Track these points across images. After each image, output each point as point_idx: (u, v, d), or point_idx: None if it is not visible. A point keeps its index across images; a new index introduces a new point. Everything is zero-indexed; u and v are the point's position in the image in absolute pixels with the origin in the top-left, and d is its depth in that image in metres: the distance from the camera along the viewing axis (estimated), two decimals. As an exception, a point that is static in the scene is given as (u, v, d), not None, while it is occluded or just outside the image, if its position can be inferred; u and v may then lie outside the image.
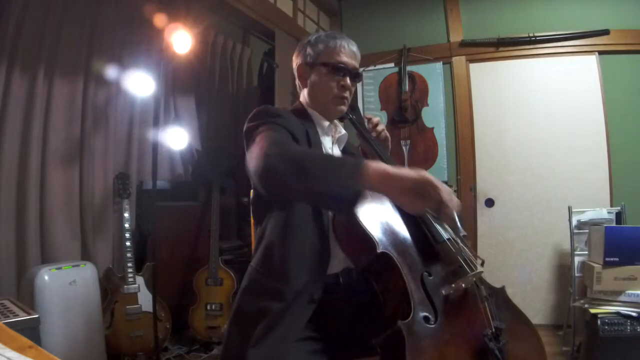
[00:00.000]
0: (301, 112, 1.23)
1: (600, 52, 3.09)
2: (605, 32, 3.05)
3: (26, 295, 2.02)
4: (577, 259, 2.68)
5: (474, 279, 1.00)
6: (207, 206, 2.95)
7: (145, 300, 2.44)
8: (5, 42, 2.21)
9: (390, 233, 1.02)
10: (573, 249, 2.71)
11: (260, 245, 1.10)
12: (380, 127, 1.31)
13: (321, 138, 1.20)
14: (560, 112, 3.17)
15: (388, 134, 1.33)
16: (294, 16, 3.33)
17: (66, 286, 2.11)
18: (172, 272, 2.81)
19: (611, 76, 3.08)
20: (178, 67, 3.14)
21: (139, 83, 2.63)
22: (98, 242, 2.58)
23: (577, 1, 3.19)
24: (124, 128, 2.83)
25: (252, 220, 1.35)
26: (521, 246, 3.22)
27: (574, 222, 2.75)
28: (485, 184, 3.34)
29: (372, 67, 3.51)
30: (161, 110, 2.90)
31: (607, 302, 2.19)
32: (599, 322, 2.10)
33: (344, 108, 1.23)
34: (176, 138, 2.97)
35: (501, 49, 3.29)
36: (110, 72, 2.65)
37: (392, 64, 3.54)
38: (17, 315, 1.63)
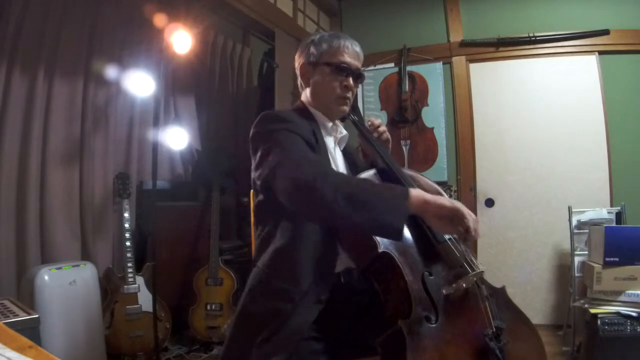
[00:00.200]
0: (303, 112, 1.22)
1: (600, 52, 3.08)
2: (605, 32, 3.05)
3: (26, 295, 2.02)
4: (577, 259, 2.68)
5: (475, 279, 1.00)
6: (207, 206, 2.94)
7: (145, 300, 2.44)
8: (5, 42, 2.20)
9: (392, 233, 1.02)
10: (573, 249, 2.71)
11: (269, 247, 1.09)
12: (382, 128, 1.31)
13: (325, 139, 1.20)
14: (560, 112, 3.17)
15: (389, 136, 1.33)
16: (294, 16, 3.33)
17: (66, 286, 2.10)
18: (172, 272, 2.80)
19: (611, 76, 3.08)
20: (178, 67, 3.14)
21: (139, 83, 2.63)
22: (98, 242, 2.57)
23: (577, 1, 3.19)
24: (124, 128, 2.83)
25: (252, 221, 1.35)
26: (521, 246, 3.22)
27: (574, 222, 2.75)
28: (485, 184, 3.34)
29: (372, 67, 3.51)
30: (161, 110, 2.90)
31: (607, 302, 2.19)
32: (599, 322, 2.10)
33: (347, 108, 1.23)
34: (176, 138, 2.97)
35: (501, 49, 3.29)
36: (110, 72, 2.65)
37: (392, 64, 3.54)
38: (17, 315, 1.63)
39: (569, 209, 2.75)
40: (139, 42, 2.85)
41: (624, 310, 2.12)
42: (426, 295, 0.96)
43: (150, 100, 2.84)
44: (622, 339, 2.06)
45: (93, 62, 2.58)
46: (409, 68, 3.46)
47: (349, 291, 1.11)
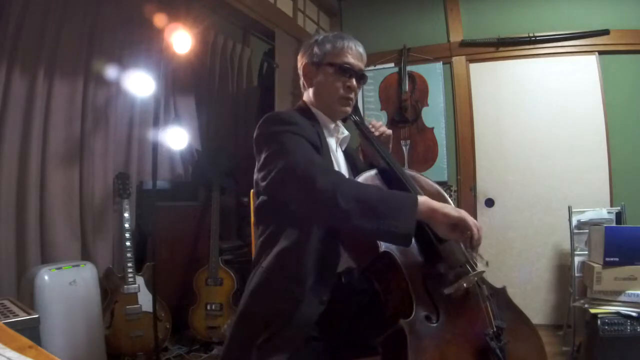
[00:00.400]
0: (306, 112, 1.22)
1: (600, 52, 3.08)
2: (605, 32, 3.05)
3: (26, 295, 2.02)
4: (577, 259, 2.68)
5: (476, 279, 1.00)
6: (207, 206, 2.94)
7: (145, 300, 2.44)
8: (5, 42, 2.20)
9: (393, 233, 1.02)
10: (573, 249, 2.71)
11: (273, 248, 1.09)
12: (383, 128, 1.31)
13: (327, 139, 1.20)
14: (560, 112, 3.17)
15: (390, 132, 1.33)
16: (294, 16, 3.33)
17: (66, 286, 2.10)
18: (172, 272, 2.80)
19: (611, 76, 3.08)
20: (178, 67, 3.14)
21: (139, 83, 2.63)
22: (98, 242, 2.57)
23: (577, 1, 3.19)
24: (124, 128, 2.83)
25: (252, 221, 1.35)
26: (521, 246, 3.22)
27: (574, 222, 2.75)
28: (485, 184, 3.34)
29: (372, 67, 3.51)
30: (161, 110, 2.90)
31: (607, 302, 2.19)
32: (599, 322, 2.10)
33: (349, 109, 1.23)
34: (176, 138, 2.97)
35: (501, 49, 3.29)
36: (110, 72, 2.65)
37: (392, 64, 3.54)
38: (17, 315, 1.63)
39: (569, 209, 2.75)
40: (139, 42, 2.85)
41: (624, 310, 2.12)
42: (427, 294, 0.96)
43: (150, 100, 2.84)
44: (622, 339, 2.06)
45: (93, 62, 2.58)
46: (409, 68, 3.46)
47: (350, 291, 1.11)
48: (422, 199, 0.97)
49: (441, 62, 3.43)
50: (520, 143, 3.25)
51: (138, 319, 2.41)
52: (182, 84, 3.24)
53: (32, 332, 1.60)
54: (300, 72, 1.27)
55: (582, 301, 2.31)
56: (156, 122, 2.65)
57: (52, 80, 2.38)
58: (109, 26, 2.68)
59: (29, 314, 1.65)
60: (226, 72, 3.51)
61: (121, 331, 2.37)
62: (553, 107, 3.19)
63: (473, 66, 3.40)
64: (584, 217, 2.75)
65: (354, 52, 1.20)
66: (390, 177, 1.15)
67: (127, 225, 2.52)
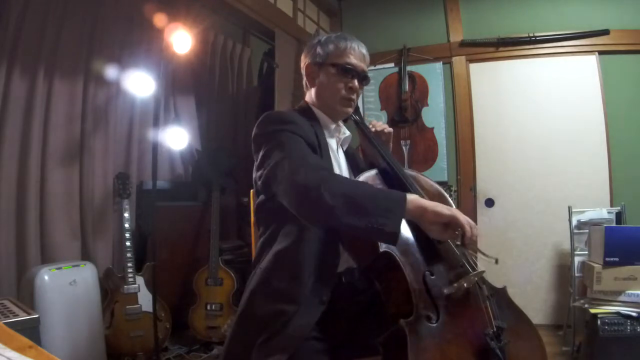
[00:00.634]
0: (307, 112, 1.22)
1: (600, 52, 3.09)
2: (605, 32, 3.05)
3: (26, 295, 2.01)
4: (577, 259, 2.68)
5: (476, 279, 1.00)
6: (207, 206, 2.94)
7: (145, 300, 2.44)
8: (5, 42, 2.20)
9: (393, 232, 1.02)
10: (573, 249, 2.71)
11: (271, 249, 1.09)
12: (383, 126, 1.31)
13: (327, 140, 1.20)
14: (560, 112, 3.17)
15: (391, 129, 1.33)
16: (294, 16, 3.33)
17: (66, 286, 2.10)
18: (172, 272, 2.80)
19: (611, 76, 3.08)
20: (178, 67, 3.14)
21: (139, 83, 2.63)
22: (98, 242, 2.57)
23: (577, 1, 3.20)
24: (124, 128, 2.83)
25: (252, 221, 1.35)
26: (521, 246, 3.22)
27: (574, 222, 2.75)
28: (485, 184, 3.34)
29: (372, 67, 3.51)
30: (161, 110, 2.90)
31: (607, 302, 2.19)
32: (599, 322, 2.10)
33: (350, 110, 1.23)
34: (176, 138, 2.96)
35: (501, 49, 3.29)
36: (110, 72, 2.64)
37: (392, 64, 3.54)
38: (17, 315, 1.63)
39: (569, 209, 2.75)
40: (139, 42, 2.85)
41: (624, 310, 2.12)
42: (427, 294, 0.96)
43: (150, 100, 2.84)
44: (622, 339, 2.06)
45: (93, 62, 2.58)
46: (409, 68, 3.47)
47: (350, 291, 1.11)
48: (412, 197, 0.94)
49: (441, 62, 3.43)
50: (520, 143, 3.26)
51: (138, 319, 2.41)
52: (182, 84, 3.24)
53: (32, 332, 1.60)
54: (303, 72, 1.27)
55: (582, 301, 2.31)
56: (156, 122, 2.65)
57: (52, 80, 2.38)
58: (109, 26, 2.67)
59: (29, 314, 1.65)
60: (226, 72, 3.51)
61: (121, 331, 2.37)
62: (553, 107, 3.19)
63: (473, 66, 3.40)
64: (584, 217, 2.75)
65: (357, 53, 1.20)
66: (391, 177, 1.16)
67: (127, 225, 2.52)
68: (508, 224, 3.26)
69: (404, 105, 3.44)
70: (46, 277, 2.04)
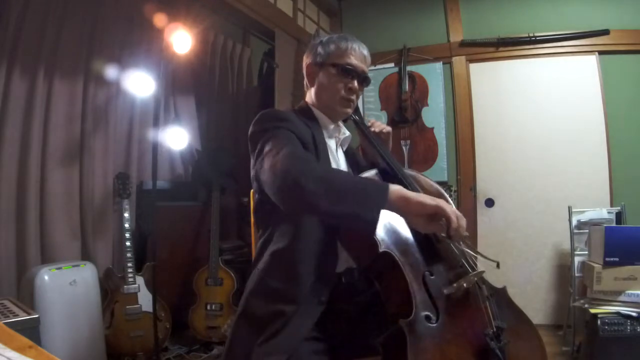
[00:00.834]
0: (306, 112, 1.22)
1: (600, 52, 3.09)
2: (605, 32, 3.05)
3: (26, 295, 2.01)
4: (577, 259, 2.68)
5: (475, 279, 1.00)
6: (207, 206, 2.94)
7: (145, 300, 2.44)
8: (5, 42, 2.20)
9: (393, 233, 1.02)
10: (573, 249, 2.71)
11: (267, 249, 1.09)
12: (382, 125, 1.31)
13: (326, 140, 1.20)
14: (560, 112, 3.17)
15: (390, 128, 1.33)
16: (294, 16, 3.33)
17: (66, 286, 2.10)
18: (172, 272, 2.80)
19: (611, 76, 3.08)
20: (178, 67, 3.14)
21: (139, 83, 2.63)
22: (98, 242, 2.57)
23: (577, 1, 3.20)
24: (124, 128, 2.83)
25: (252, 221, 1.35)
26: (521, 246, 3.22)
27: (574, 222, 2.75)
28: (485, 184, 3.34)
29: (372, 67, 3.49)
30: (161, 110, 2.89)
31: (607, 302, 2.19)
32: (599, 322, 2.10)
33: (350, 111, 1.23)
34: (176, 138, 2.96)
35: (501, 49, 3.29)
36: (110, 72, 2.64)
37: (392, 64, 3.54)
38: (17, 315, 1.63)
39: (569, 209, 2.75)
40: (139, 42, 2.85)
41: (624, 310, 2.12)
42: (427, 294, 0.96)
43: (150, 100, 2.84)
44: (622, 339, 2.06)
45: (93, 62, 2.58)
46: (409, 68, 3.47)
47: (350, 291, 1.11)
48: (395, 187, 0.91)
49: (441, 62, 3.43)
50: (520, 143, 3.26)
51: (138, 319, 2.41)
52: (182, 84, 3.24)
53: (32, 332, 1.60)
54: (304, 72, 1.27)
55: (582, 301, 2.31)
56: (156, 122, 2.65)
57: (52, 80, 2.38)
58: (109, 26, 2.67)
59: (29, 314, 1.65)
60: (226, 72, 3.51)
61: (121, 331, 2.37)
62: (553, 107, 3.19)
63: (473, 66, 3.40)
64: (584, 217, 2.75)
65: (358, 54, 1.20)
66: (391, 177, 1.15)
67: (127, 225, 2.52)
68: (508, 224, 3.26)
69: (404, 105, 3.44)
70: (46, 277, 2.04)
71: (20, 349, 0.67)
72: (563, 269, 3.08)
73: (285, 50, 3.15)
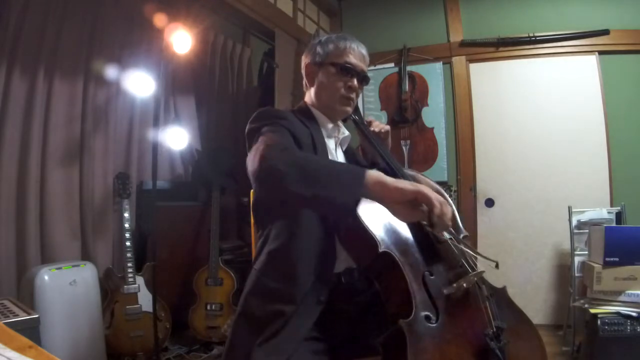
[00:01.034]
0: (305, 112, 1.22)
1: (600, 52, 3.09)
2: (605, 32, 3.05)
3: (26, 295, 2.02)
4: (577, 259, 2.68)
5: (475, 279, 1.00)
6: (207, 206, 2.94)
7: (145, 300, 2.44)
8: (5, 42, 2.20)
9: (392, 232, 1.02)
10: (573, 249, 2.71)
11: (264, 249, 1.10)
12: (381, 125, 1.31)
13: (325, 140, 1.20)
14: (560, 112, 3.17)
15: (389, 127, 1.34)
16: (294, 16, 3.33)
17: (66, 286, 2.10)
18: (172, 272, 2.80)
19: (611, 76, 3.08)
20: (178, 67, 3.14)
21: (139, 83, 2.63)
22: (98, 242, 2.57)
23: (577, 1, 3.20)
24: (124, 128, 2.83)
25: (252, 221, 1.35)
26: (521, 246, 3.22)
27: (574, 222, 2.75)
28: (485, 184, 3.34)
29: (372, 67, 3.51)
30: (161, 110, 2.90)
31: (607, 302, 2.19)
32: (599, 322, 2.10)
33: (350, 109, 1.23)
34: (176, 138, 2.97)
35: (501, 49, 3.29)
36: (110, 72, 2.65)
37: (392, 64, 3.54)
38: (17, 315, 1.63)
39: (569, 209, 2.75)
40: (139, 42, 2.85)
41: (624, 310, 2.12)
42: (427, 294, 0.95)
43: (150, 100, 2.84)
44: (622, 339, 2.07)
45: (93, 62, 2.58)
46: (409, 68, 3.47)
47: (350, 291, 1.11)
48: (373, 172, 0.88)
49: (441, 62, 3.43)
50: (520, 143, 3.26)
51: (138, 319, 2.41)
52: (182, 84, 3.24)
53: (32, 332, 1.60)
54: (303, 72, 1.27)
55: (582, 301, 2.31)
56: (156, 122, 2.65)
57: (52, 80, 2.38)
58: (109, 26, 2.67)
59: (29, 314, 1.65)
60: (226, 72, 3.51)
61: (121, 331, 2.37)
62: (553, 107, 3.19)
63: (473, 66, 3.40)
64: (584, 217, 2.75)
65: (357, 53, 1.20)
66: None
67: (127, 225, 2.52)
68: (508, 224, 3.26)
69: (404, 105, 3.44)
70: (46, 277, 2.04)
71: (20, 349, 0.67)
72: (563, 269, 3.08)
73: (285, 50, 3.15)
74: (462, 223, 1.20)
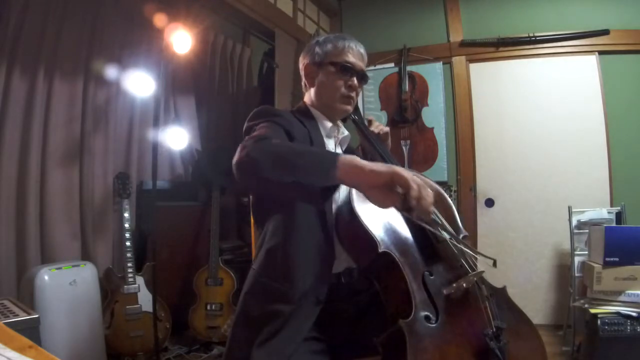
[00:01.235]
0: (304, 112, 1.23)
1: (600, 52, 3.09)
2: (605, 32, 3.05)
3: (26, 295, 2.02)
4: (577, 259, 2.68)
5: (475, 279, 1.00)
6: (207, 206, 2.94)
7: (145, 300, 2.44)
8: (5, 42, 2.20)
9: (392, 233, 1.02)
10: (573, 249, 2.71)
11: (262, 247, 1.10)
12: (380, 126, 1.32)
13: (324, 139, 1.20)
14: (560, 112, 3.17)
15: (388, 129, 1.34)
16: (294, 16, 3.33)
17: (66, 286, 2.10)
18: (172, 272, 2.80)
19: (611, 76, 3.08)
20: (178, 67, 3.14)
21: (139, 83, 2.63)
22: (98, 242, 2.58)
23: (577, 1, 3.19)
24: (124, 128, 2.83)
25: (252, 221, 1.35)
26: (521, 246, 3.22)
27: (574, 222, 2.75)
28: (485, 184, 3.34)
29: (372, 67, 3.51)
30: (161, 110, 2.90)
31: (607, 302, 2.19)
32: (599, 322, 2.10)
33: (350, 108, 1.23)
34: (176, 138, 2.97)
35: (501, 49, 3.29)
36: (110, 72, 2.65)
37: (392, 64, 3.54)
38: (17, 315, 1.63)
39: (569, 209, 2.75)
40: (139, 42, 2.85)
41: (624, 310, 2.12)
42: (426, 295, 0.95)
43: (150, 100, 2.84)
44: (622, 339, 2.06)
45: (93, 62, 2.58)
46: (409, 68, 3.46)
47: (350, 291, 1.11)
48: (347, 156, 0.87)
49: (441, 62, 3.43)
50: (520, 143, 3.26)
51: (138, 319, 2.41)
52: (182, 84, 3.24)
53: (32, 332, 1.60)
54: (302, 72, 1.28)
55: (582, 301, 2.31)
56: (156, 122, 2.66)
57: (52, 80, 2.38)
58: (109, 26, 2.67)
59: (29, 314, 1.65)
60: (226, 72, 3.51)
61: (121, 331, 2.37)
62: (553, 107, 3.19)
63: (473, 66, 3.40)
64: (584, 217, 2.75)
65: (355, 52, 1.21)
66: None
67: (127, 225, 2.52)
68: (508, 224, 3.26)
69: (404, 105, 3.44)
70: (46, 277, 2.04)
71: (20, 349, 0.67)
72: (563, 269, 3.08)
73: (285, 50, 3.15)
74: (462, 223, 1.20)
